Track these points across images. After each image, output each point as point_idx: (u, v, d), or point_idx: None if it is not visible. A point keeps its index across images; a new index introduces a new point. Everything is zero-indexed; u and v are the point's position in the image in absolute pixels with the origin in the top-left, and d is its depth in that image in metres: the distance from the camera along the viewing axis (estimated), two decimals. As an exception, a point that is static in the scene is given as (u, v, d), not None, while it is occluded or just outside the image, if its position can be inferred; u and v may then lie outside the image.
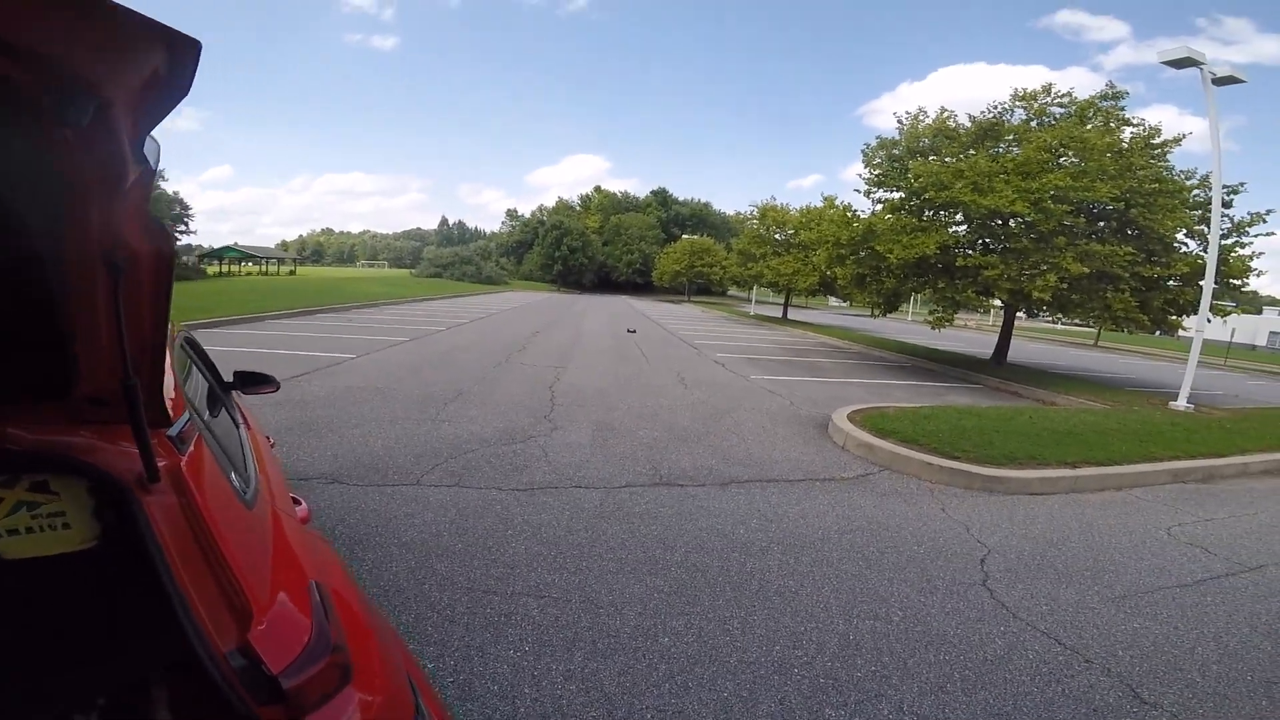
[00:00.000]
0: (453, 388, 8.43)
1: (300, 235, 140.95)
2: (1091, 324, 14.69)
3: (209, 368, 2.44)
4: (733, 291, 60.11)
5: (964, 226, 14.05)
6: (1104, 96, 13.93)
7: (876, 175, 15.66)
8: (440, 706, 1.42)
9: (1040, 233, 12.15)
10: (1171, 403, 10.69)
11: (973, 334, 33.14)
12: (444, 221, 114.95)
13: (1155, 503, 5.62)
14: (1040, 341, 34.23)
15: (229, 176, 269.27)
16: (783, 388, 10.51)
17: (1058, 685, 2.68)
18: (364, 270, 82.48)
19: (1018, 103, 14.65)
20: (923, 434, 6.51)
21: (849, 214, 16.96)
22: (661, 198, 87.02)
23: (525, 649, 2.71)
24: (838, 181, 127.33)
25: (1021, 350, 23.30)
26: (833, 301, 52.55)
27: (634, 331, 20.08)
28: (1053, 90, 14.37)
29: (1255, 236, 12.67)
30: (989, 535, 4.44)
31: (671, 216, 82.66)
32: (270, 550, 1.38)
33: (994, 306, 18.22)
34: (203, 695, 1.03)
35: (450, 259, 70.01)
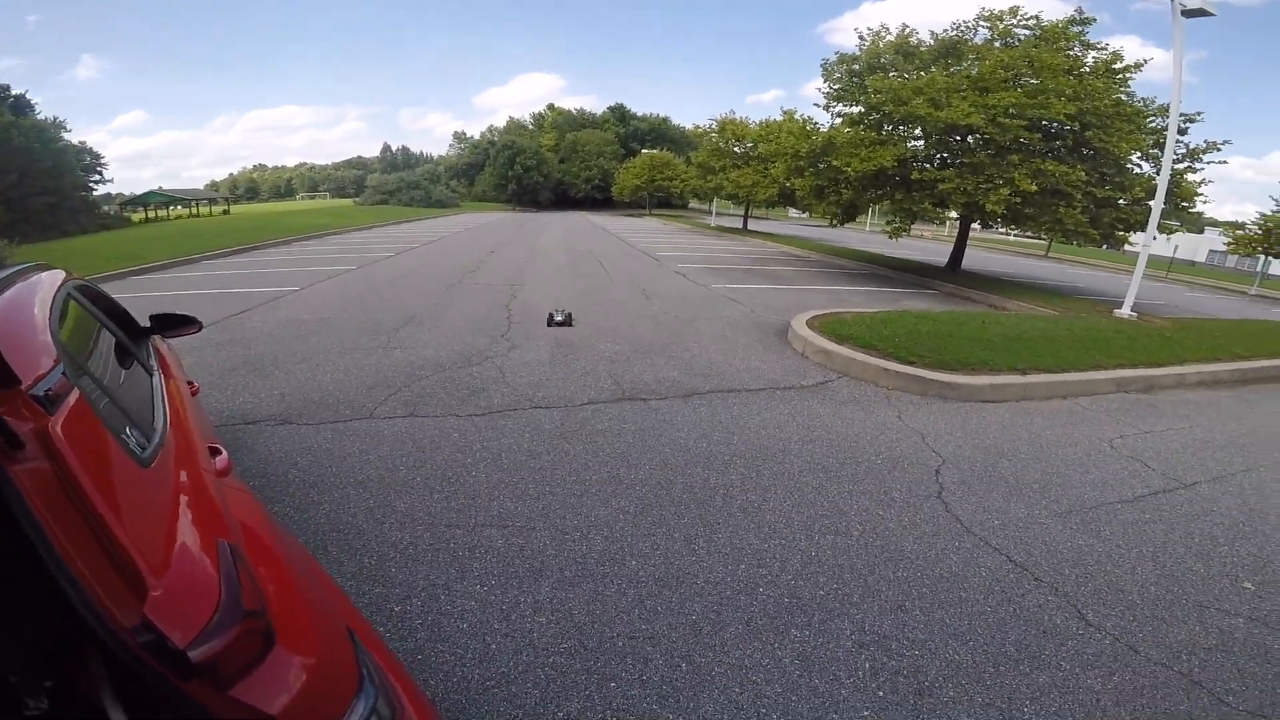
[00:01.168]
0: (403, 313, 8.10)
1: (231, 174, 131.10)
2: (1043, 236, 15.17)
3: (115, 316, 2.18)
4: (693, 204, 59.31)
5: (921, 141, 14.33)
6: (1072, 22, 13.87)
7: (836, 90, 15.70)
8: (393, 661, 1.34)
9: (996, 147, 12.45)
10: (1116, 310, 11.09)
11: (928, 244, 33.66)
12: (386, 148, 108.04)
13: (1099, 413, 5.85)
14: (993, 251, 34.88)
15: (143, 122, 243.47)
16: (744, 296, 10.59)
17: (1009, 605, 2.78)
18: (304, 203, 77.75)
19: (982, 23, 14.58)
20: (879, 339, 6.65)
21: (808, 127, 16.97)
22: (619, 114, 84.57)
23: (492, 583, 2.67)
24: (797, 97, 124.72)
25: (975, 259, 23.74)
26: (792, 213, 52.43)
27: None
28: (1019, 13, 14.24)
29: (1207, 164, 13.19)
30: (943, 445, 4.55)
31: (630, 132, 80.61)
32: (172, 511, 1.22)
33: (949, 218, 18.68)
34: (122, 675, 0.93)
35: (396, 185, 66.46)
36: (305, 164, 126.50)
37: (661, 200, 57.90)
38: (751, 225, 34.38)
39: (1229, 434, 5.62)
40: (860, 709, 2.15)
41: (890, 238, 15.62)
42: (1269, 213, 31.54)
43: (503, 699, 2.09)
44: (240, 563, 1.11)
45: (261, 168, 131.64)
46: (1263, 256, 31.93)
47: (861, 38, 15.86)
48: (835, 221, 17.13)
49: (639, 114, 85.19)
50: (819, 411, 5.04)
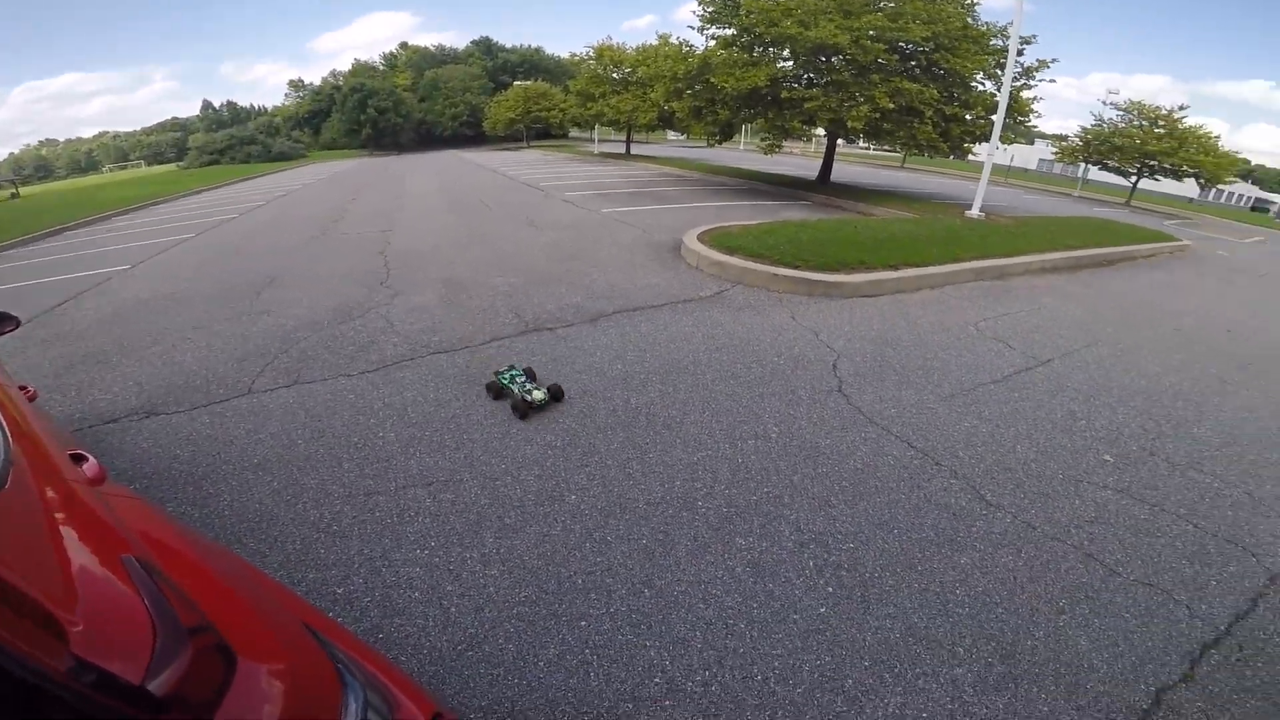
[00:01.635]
0: (262, 275, 7.25)
1: (11, 153, 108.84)
2: (899, 149, 16.27)
3: None
4: (574, 133, 57.45)
5: (791, 62, 14.81)
6: None
7: (710, 13, 15.65)
8: (365, 648, 1.21)
9: (859, 68, 13.21)
10: (967, 212, 12.32)
11: (799, 159, 35.16)
12: (208, 105, 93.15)
13: (963, 299, 6.48)
14: (857, 165, 37.06)
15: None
16: (634, 218, 10.59)
17: (919, 491, 3.04)
18: (114, 175, 66.47)
19: None
20: (766, 248, 6.98)
21: (685, 49, 17.10)
22: (485, 47, 79.69)
23: (432, 545, 2.54)
24: (670, 21, 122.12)
25: (842, 172, 25.06)
26: (671, 135, 52.38)
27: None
28: None
29: (1039, 82, 14.71)
30: (835, 339, 4.89)
31: (499, 65, 76.17)
32: (51, 533, 1.00)
33: (817, 135, 19.56)
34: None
35: (226, 142, 58.66)
36: (107, 133, 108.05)
37: (540, 132, 55.59)
38: (634, 150, 34.27)
39: (1070, 313, 6.44)
40: (816, 606, 2.29)
41: (764, 154, 16.36)
42: (1088, 126, 35.95)
43: (479, 660, 2.02)
44: (158, 576, 0.94)
45: (51, 142, 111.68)
46: (1083, 164, 36.49)
47: None
48: (713, 141, 17.49)
49: (508, 46, 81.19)
50: (720, 320, 5.22)
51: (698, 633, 2.16)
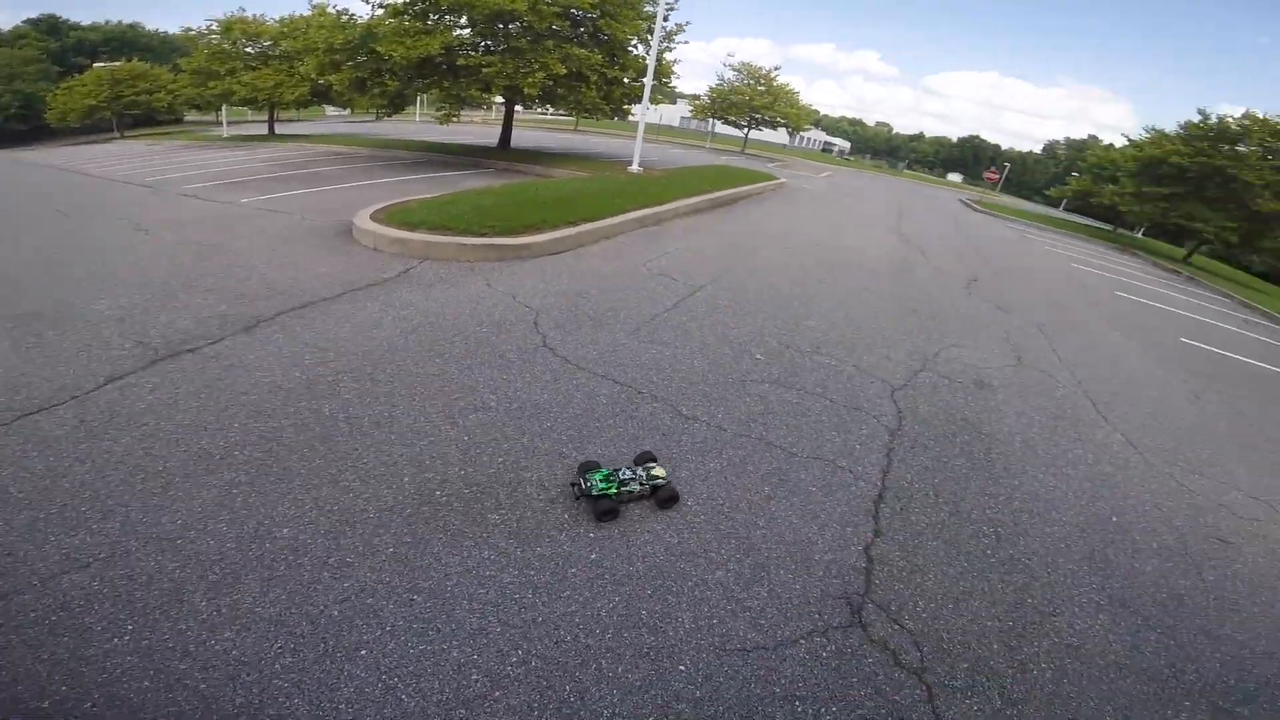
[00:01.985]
0: None
1: None
2: (571, 113, 17.20)
3: None
4: (192, 117, 46.15)
5: (468, 29, 14.57)
6: None
7: None
8: None
9: (535, 34, 13.59)
10: (629, 167, 13.90)
11: (479, 128, 34.49)
12: None
13: (632, 245, 7.34)
14: (534, 130, 37.84)
15: None
16: (285, 204, 8.97)
17: (633, 420, 3.42)
18: None
19: None
20: (450, 219, 6.82)
21: (344, 19, 15.79)
22: (48, 26, 60.57)
23: (130, 628, 1.99)
24: None
25: (521, 138, 25.39)
26: (330, 110, 46.22)
27: None
28: None
29: (678, 45, 16.96)
30: (532, 299, 5.10)
31: (72, 46, 58.99)
32: None
33: (495, 102, 19.48)
34: None
35: None
36: None
37: (141, 118, 43.50)
38: (281, 130, 29.22)
39: (714, 246, 7.83)
40: (588, 553, 2.47)
41: (441, 124, 15.78)
42: (713, 86, 42.64)
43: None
44: None
45: None
46: (711, 120, 43.42)
47: None
48: (382, 114, 16.37)
49: (85, 24, 63.10)
50: (411, 299, 4.95)
51: (490, 618, 2.14)
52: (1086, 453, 4.15)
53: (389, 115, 16.84)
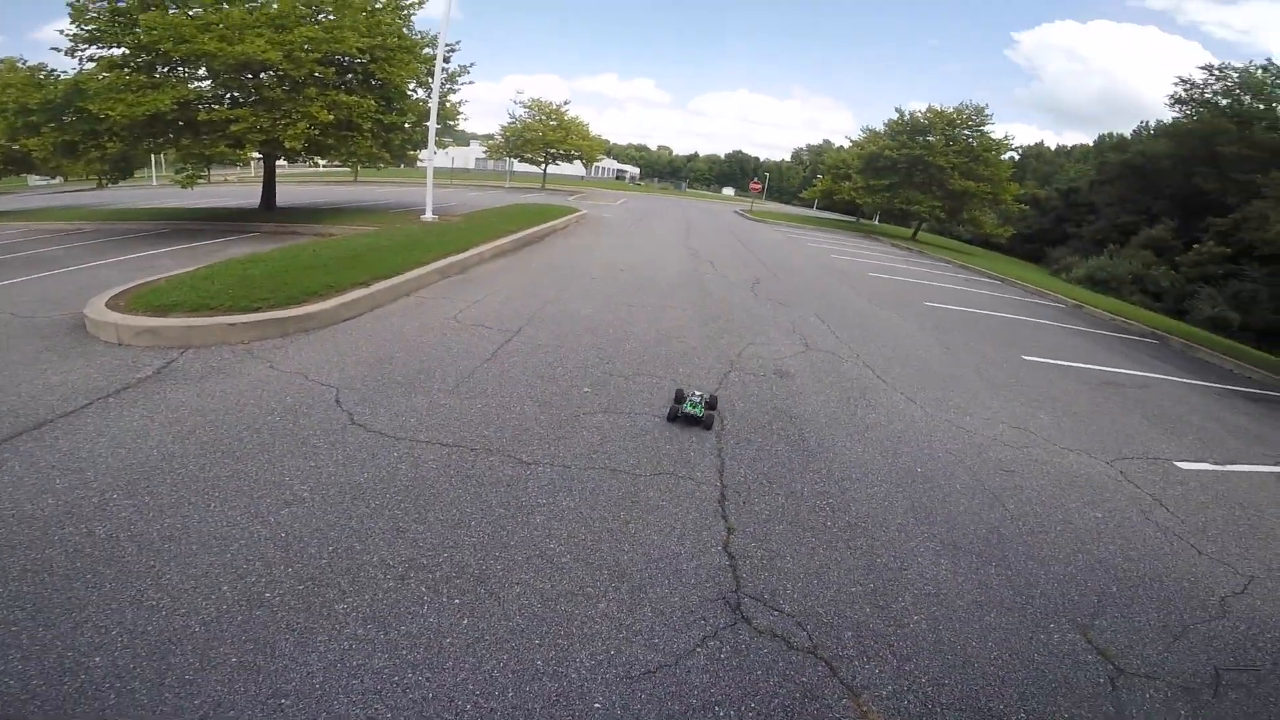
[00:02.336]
0: None
1: None
2: (345, 164, 16.02)
3: None
4: None
5: (209, 81, 12.91)
6: None
7: (90, 32, 12.32)
8: None
9: (293, 82, 12.37)
10: (423, 216, 13.21)
11: (236, 187, 30.55)
12: None
13: (438, 298, 6.95)
14: (305, 185, 34.56)
15: None
16: None
17: (470, 479, 3.24)
18: None
19: None
20: (211, 297, 5.76)
21: (40, 75, 13.28)
22: None
23: None
24: (25, 42, 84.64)
25: (291, 194, 23.10)
26: (34, 180, 37.96)
27: None
28: None
29: (462, 85, 16.46)
30: (329, 375, 4.51)
31: None
32: None
33: (252, 158, 17.34)
34: None
35: None
36: None
37: None
38: None
39: (523, 287, 7.75)
40: (451, 617, 2.26)
41: (183, 187, 13.70)
42: (505, 124, 42.74)
43: None
44: None
45: None
46: (508, 159, 43.47)
47: None
48: (104, 181, 13.77)
49: None
50: (179, 398, 4.09)
51: (377, 704, 1.99)
52: (879, 416, 4.78)
53: (113, 181, 14.32)
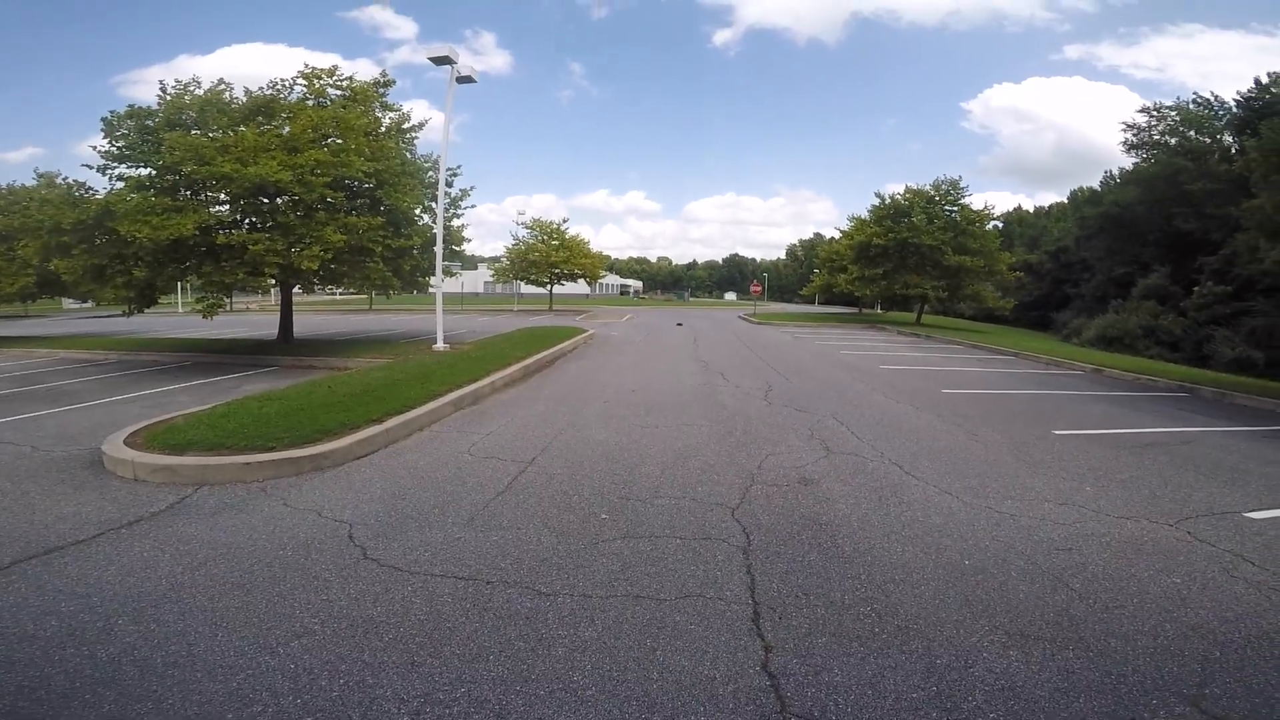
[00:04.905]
0: None
1: None
2: (361, 291, 16.47)
3: None
4: None
5: (228, 206, 13.16)
6: (377, 84, 15.33)
7: (120, 149, 12.77)
8: None
9: (305, 206, 12.67)
10: (434, 346, 13.45)
11: (257, 316, 32.04)
12: None
13: (451, 431, 6.94)
14: (323, 313, 36.12)
15: None
16: (11, 432, 7.26)
17: (488, 613, 3.09)
18: None
19: (299, 80, 14.55)
20: (227, 435, 5.85)
21: (78, 192, 13.13)
22: None
23: None
24: (65, 157, 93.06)
25: (307, 323, 24.07)
26: (69, 304, 39.70)
27: None
28: (336, 73, 14.86)
29: (465, 209, 17.11)
30: (342, 512, 4.45)
31: None
32: None
33: (271, 285, 17.97)
34: None
35: None
36: None
37: None
38: (4, 330, 23.88)
39: (537, 415, 7.75)
40: None
41: (204, 316, 13.72)
42: (509, 246, 44.83)
43: None
44: None
45: None
46: (517, 282, 45.34)
47: (164, 91, 13.51)
48: (130, 309, 13.95)
49: None
50: (192, 532, 4.09)
51: None
52: (915, 512, 4.56)
53: (139, 310, 14.34)
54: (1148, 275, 33.54)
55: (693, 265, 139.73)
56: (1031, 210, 74.78)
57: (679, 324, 28.30)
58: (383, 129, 15.19)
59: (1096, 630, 3.02)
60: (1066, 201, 63.87)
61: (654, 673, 2.62)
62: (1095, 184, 52.47)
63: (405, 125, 15.95)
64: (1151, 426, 8.19)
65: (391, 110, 15.85)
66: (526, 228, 45.03)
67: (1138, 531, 4.31)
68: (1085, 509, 4.73)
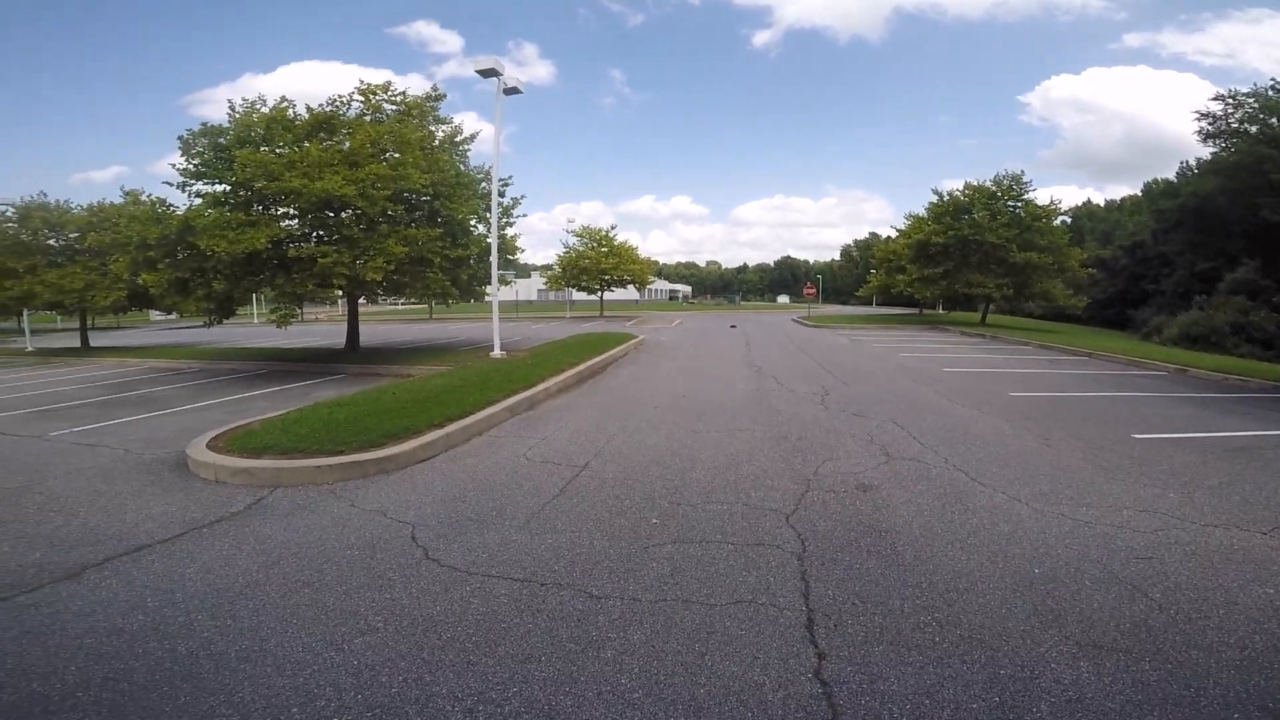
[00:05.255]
0: None
1: None
2: (420, 300, 17.04)
3: None
4: None
5: (296, 220, 13.78)
6: (429, 98, 15.80)
7: (196, 166, 13.59)
8: None
9: (368, 220, 13.15)
10: (491, 353, 13.79)
11: (326, 326, 33.81)
12: None
13: (508, 436, 7.10)
14: (387, 323, 37.75)
15: None
16: (105, 436, 7.94)
17: (541, 614, 3.15)
18: None
19: (357, 96, 15.05)
20: (300, 440, 6.18)
21: (159, 210, 13.92)
22: None
23: None
24: (145, 175, 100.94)
25: (372, 333, 25.17)
26: (155, 315, 42.66)
27: None
28: (390, 88, 15.33)
29: (516, 218, 17.15)
30: (406, 513, 4.63)
31: None
32: None
33: (338, 296, 18.80)
34: None
35: None
36: None
37: None
38: (97, 341, 25.62)
39: (590, 421, 7.83)
40: None
41: (278, 326, 14.44)
42: (560, 254, 45.59)
43: None
44: None
45: None
46: (569, 289, 46.11)
47: (233, 109, 14.37)
48: (211, 319, 14.83)
49: None
50: (268, 532, 4.35)
51: None
52: (980, 520, 4.36)
53: (219, 320, 15.23)
54: (1235, 269, 31.06)
55: (743, 269, 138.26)
56: (1102, 204, 70.74)
57: (732, 326, 28.06)
58: (436, 142, 15.60)
59: (1176, 642, 2.84)
60: (1140, 194, 59.99)
61: (701, 678, 2.60)
62: (1170, 175, 49.23)
63: (458, 138, 16.36)
64: (1242, 430, 7.59)
65: (444, 123, 16.23)
66: (576, 235, 45.72)
67: (1227, 540, 4.00)
68: (1168, 516, 4.42)
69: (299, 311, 14.89)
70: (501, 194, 15.91)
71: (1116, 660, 2.69)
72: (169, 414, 9.61)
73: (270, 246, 12.63)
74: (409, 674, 2.67)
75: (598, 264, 43.69)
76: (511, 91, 13.99)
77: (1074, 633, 2.91)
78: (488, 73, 13.27)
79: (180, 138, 13.94)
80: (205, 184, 13.84)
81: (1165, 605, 3.16)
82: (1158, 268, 41.58)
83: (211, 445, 6.29)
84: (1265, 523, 4.31)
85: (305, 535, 4.28)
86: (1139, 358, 15.52)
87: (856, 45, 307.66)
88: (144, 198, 15.84)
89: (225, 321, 16.31)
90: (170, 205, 14.14)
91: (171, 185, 13.92)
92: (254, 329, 33.25)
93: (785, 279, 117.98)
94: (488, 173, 16.13)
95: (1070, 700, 2.43)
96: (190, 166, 13.73)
